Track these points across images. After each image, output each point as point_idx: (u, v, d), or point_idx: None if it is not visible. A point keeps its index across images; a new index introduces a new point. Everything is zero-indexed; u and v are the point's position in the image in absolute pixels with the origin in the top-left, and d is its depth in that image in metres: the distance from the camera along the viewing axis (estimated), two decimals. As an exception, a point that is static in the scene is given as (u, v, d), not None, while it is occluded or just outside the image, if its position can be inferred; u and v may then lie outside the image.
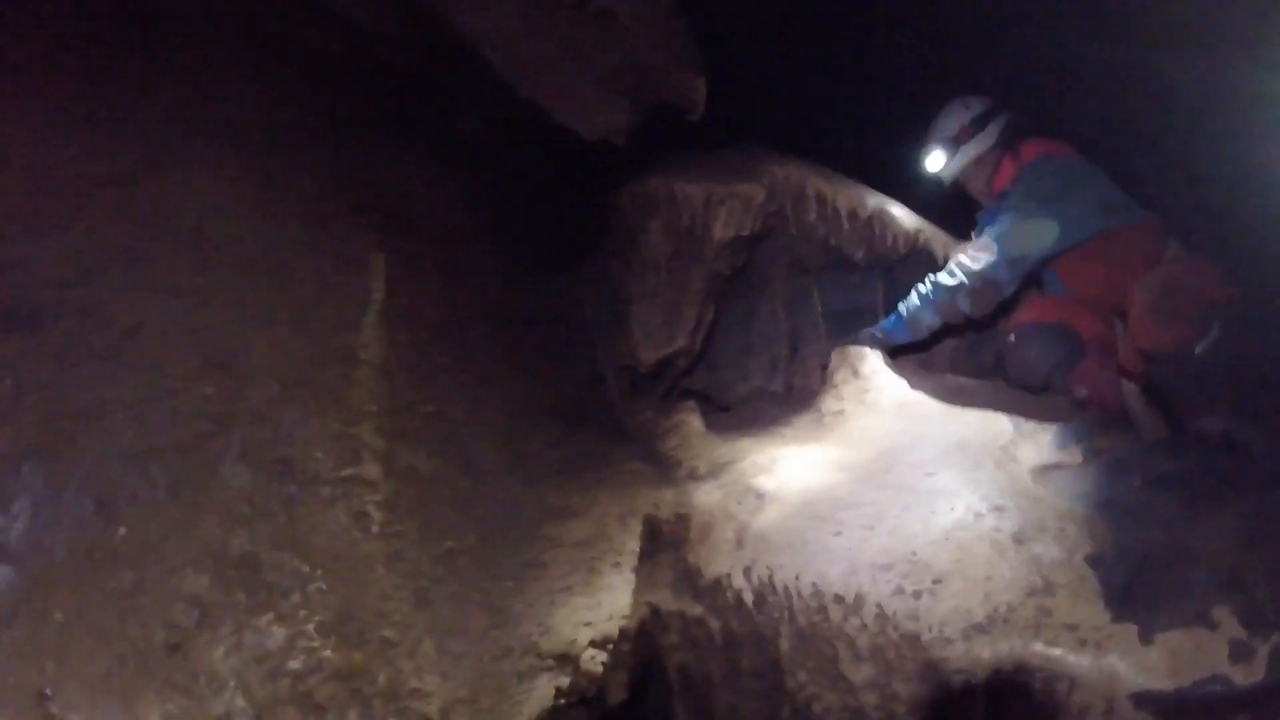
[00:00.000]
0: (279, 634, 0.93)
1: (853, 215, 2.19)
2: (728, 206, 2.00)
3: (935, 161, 2.28)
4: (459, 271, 1.68)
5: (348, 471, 1.14)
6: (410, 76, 1.62)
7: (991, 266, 2.09)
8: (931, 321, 2.20)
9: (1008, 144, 2.21)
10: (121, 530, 1.01)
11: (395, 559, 1.13)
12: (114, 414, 1.09)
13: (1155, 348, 1.92)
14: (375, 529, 1.13)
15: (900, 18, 2.54)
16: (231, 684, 0.87)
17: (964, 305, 2.14)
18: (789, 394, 2.49)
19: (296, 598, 0.97)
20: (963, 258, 2.15)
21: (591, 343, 2.19)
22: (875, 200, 2.30)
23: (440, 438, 1.36)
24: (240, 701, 0.86)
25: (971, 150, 2.23)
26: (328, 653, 0.95)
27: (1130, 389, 2.01)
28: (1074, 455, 1.64)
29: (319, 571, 1.01)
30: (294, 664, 0.92)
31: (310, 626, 0.95)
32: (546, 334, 1.98)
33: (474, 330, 1.62)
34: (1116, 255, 2.09)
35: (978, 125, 2.23)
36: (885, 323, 2.27)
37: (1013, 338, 2.13)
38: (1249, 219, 2.05)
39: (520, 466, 1.61)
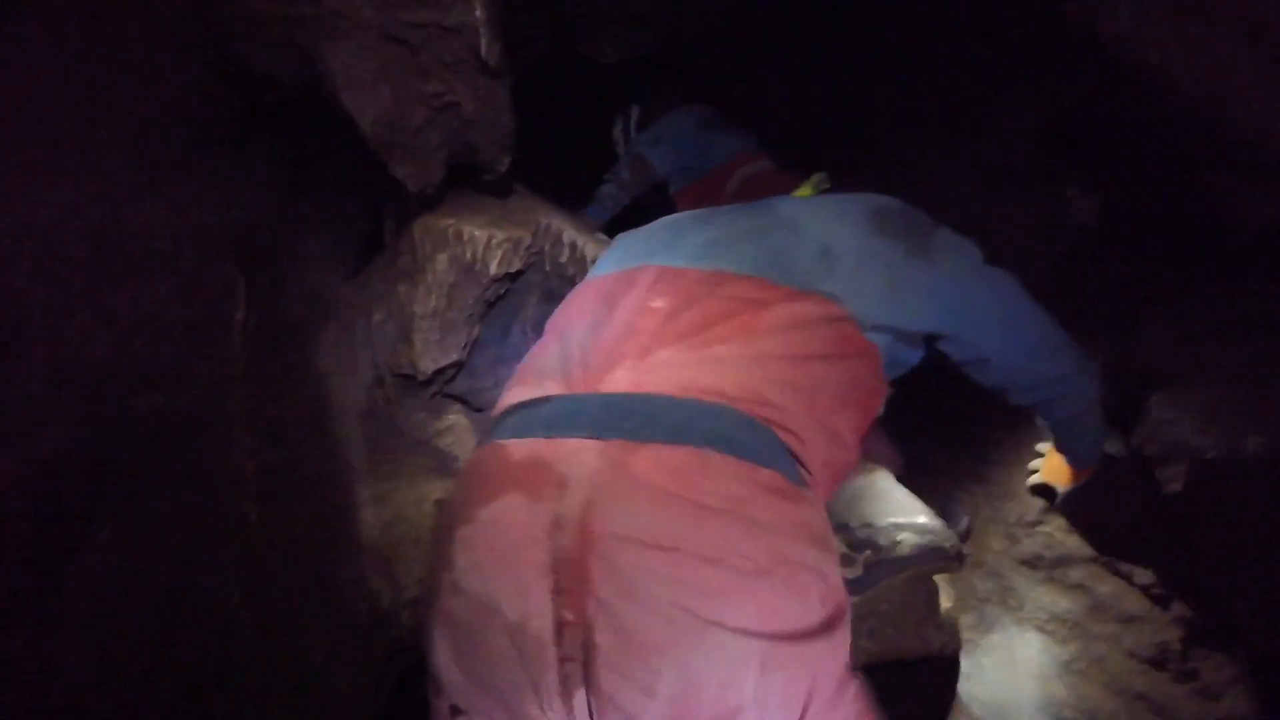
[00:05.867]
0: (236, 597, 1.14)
1: (595, 261, 2.78)
2: (504, 248, 2.42)
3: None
4: (289, 282, 1.84)
5: (228, 467, 1.32)
6: (290, 106, 1.74)
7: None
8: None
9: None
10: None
11: (270, 543, 1.35)
12: None
13: None
14: (254, 518, 1.33)
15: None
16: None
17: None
18: (532, 400, 2.99)
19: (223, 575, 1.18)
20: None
21: (371, 348, 2.42)
22: (611, 251, 2.94)
23: (286, 439, 1.56)
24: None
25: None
26: (242, 612, 1.18)
27: None
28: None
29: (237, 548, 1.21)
30: (242, 615, 1.14)
31: (236, 595, 1.16)
32: (336, 338, 2.18)
33: (298, 339, 1.80)
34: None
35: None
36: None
37: None
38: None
39: (336, 459, 1.84)
